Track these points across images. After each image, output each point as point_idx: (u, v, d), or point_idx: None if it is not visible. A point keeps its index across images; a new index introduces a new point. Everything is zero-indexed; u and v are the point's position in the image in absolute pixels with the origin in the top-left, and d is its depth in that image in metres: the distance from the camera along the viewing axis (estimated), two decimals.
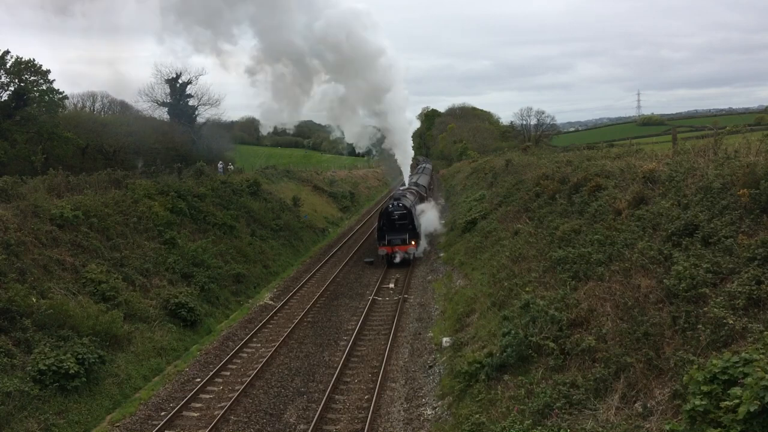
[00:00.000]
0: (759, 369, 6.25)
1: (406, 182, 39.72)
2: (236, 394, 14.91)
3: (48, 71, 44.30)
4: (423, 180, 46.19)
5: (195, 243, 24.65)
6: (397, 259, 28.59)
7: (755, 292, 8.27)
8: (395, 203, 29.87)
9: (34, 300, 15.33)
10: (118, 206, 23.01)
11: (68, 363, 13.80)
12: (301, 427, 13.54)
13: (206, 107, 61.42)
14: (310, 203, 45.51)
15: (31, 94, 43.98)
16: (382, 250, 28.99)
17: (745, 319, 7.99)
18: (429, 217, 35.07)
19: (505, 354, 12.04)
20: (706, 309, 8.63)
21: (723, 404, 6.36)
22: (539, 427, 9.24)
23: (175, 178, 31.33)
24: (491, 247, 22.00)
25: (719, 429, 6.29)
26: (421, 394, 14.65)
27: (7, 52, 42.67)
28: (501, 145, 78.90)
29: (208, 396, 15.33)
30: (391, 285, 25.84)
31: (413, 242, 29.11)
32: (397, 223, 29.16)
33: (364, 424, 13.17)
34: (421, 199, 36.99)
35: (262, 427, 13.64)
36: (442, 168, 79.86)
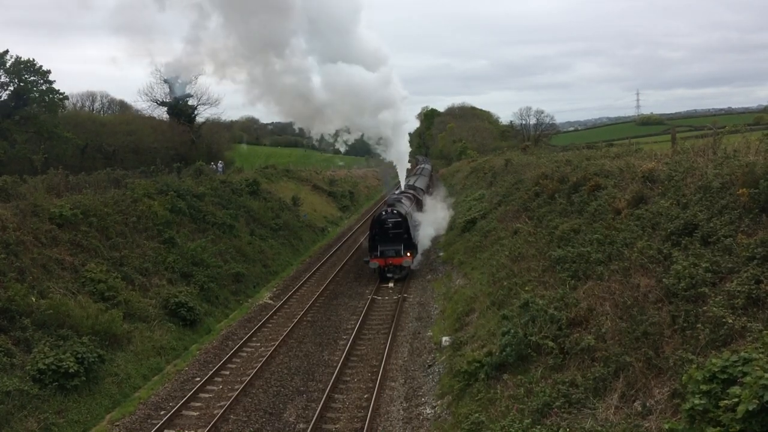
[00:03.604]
0: (758, 368, 6.25)
1: (402, 185, 37.04)
2: (236, 394, 14.92)
3: (48, 71, 44.33)
4: (421, 182, 43.63)
5: (194, 242, 24.65)
6: (393, 275, 26.19)
7: (754, 292, 8.27)
8: (389, 210, 27.10)
9: (34, 299, 15.33)
10: (118, 206, 23.01)
11: (68, 362, 13.80)
12: (301, 426, 13.55)
13: (206, 107, 61.44)
14: (310, 203, 45.53)
15: (31, 94, 43.98)
16: (374, 263, 26.19)
17: (745, 318, 7.99)
18: (428, 221, 33.57)
19: (504, 353, 12.05)
20: (705, 308, 8.63)
21: (722, 403, 6.36)
22: (538, 426, 9.25)
23: (174, 178, 31.31)
24: (491, 247, 22.00)
25: (718, 428, 6.29)
26: (420, 394, 14.66)
27: (6, 52, 42.66)
28: (500, 144, 78.91)
29: (207, 395, 15.33)
30: (391, 284, 25.83)
31: (409, 254, 26.36)
32: (391, 233, 26.45)
33: (363, 423, 13.17)
34: (419, 204, 34.70)
35: (262, 426, 13.64)
36: (441, 167, 79.84)
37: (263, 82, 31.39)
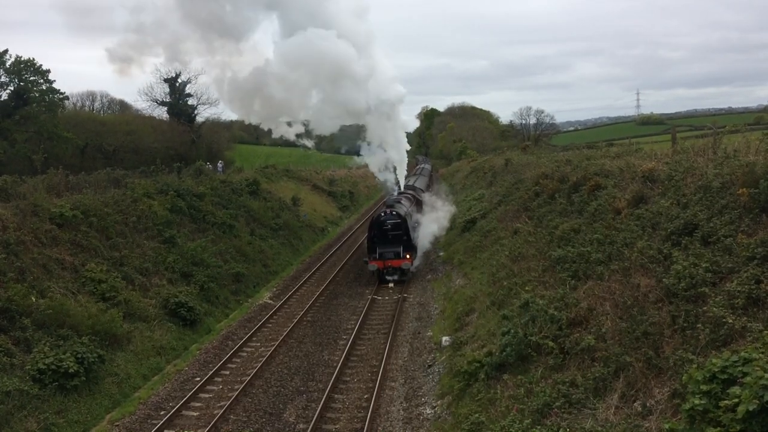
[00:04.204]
0: (758, 368, 6.25)
1: (401, 186, 36.30)
2: (236, 394, 14.91)
3: (48, 71, 44.35)
4: (420, 182, 43.18)
5: (194, 242, 24.65)
6: (392, 278, 25.88)
7: (754, 292, 8.27)
8: (388, 211, 26.70)
9: (34, 299, 15.33)
10: (118, 205, 23.00)
11: (68, 362, 13.80)
12: (301, 426, 13.54)
13: (205, 106, 61.40)
14: (310, 202, 45.51)
15: (31, 94, 44.00)
16: (373, 265, 25.82)
17: (745, 318, 7.98)
18: (428, 222, 32.79)
19: (504, 353, 12.05)
20: (705, 308, 8.62)
21: (722, 403, 6.35)
22: (538, 427, 9.25)
23: (174, 178, 31.30)
24: (491, 247, 22.00)
25: (718, 428, 6.29)
26: (420, 394, 14.65)
27: (5, 51, 42.68)
28: (500, 144, 78.91)
29: (207, 395, 15.33)
30: (391, 284, 25.80)
31: (408, 256, 25.99)
32: (390, 234, 26.03)
33: (363, 424, 13.17)
34: (419, 205, 34.20)
35: (262, 427, 13.63)
36: (441, 167, 79.83)
37: (216, 71, 30.02)
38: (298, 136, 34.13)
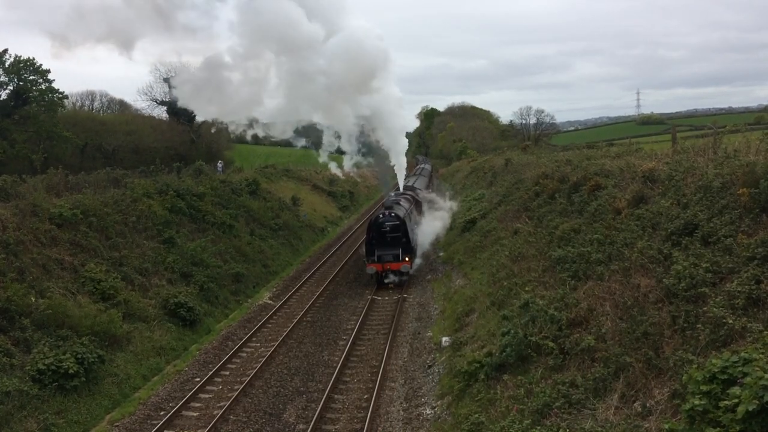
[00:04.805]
0: (758, 368, 6.24)
1: (401, 186, 35.64)
2: (235, 394, 14.91)
3: (48, 71, 44.32)
4: (420, 183, 42.73)
5: (194, 242, 24.64)
6: (392, 279, 25.46)
7: (755, 292, 8.26)
8: (386, 213, 26.14)
9: (33, 299, 15.32)
10: (117, 205, 22.99)
11: (67, 363, 13.80)
12: (301, 426, 13.53)
13: None
14: (310, 202, 45.48)
15: (31, 94, 43.97)
16: (371, 268, 25.41)
17: (745, 318, 7.98)
18: (427, 223, 32.78)
19: (504, 353, 12.04)
20: (705, 308, 8.62)
21: (722, 404, 6.35)
22: (538, 427, 9.24)
23: (174, 177, 31.28)
24: (491, 247, 21.99)
25: (718, 429, 6.28)
26: (420, 394, 14.65)
27: (5, 51, 42.65)
28: (500, 144, 78.92)
29: (207, 396, 15.32)
30: (391, 285, 25.76)
31: (407, 258, 25.51)
32: (389, 236, 25.51)
33: (363, 424, 13.16)
34: (418, 206, 33.70)
35: (262, 427, 13.63)
36: (441, 167, 79.78)
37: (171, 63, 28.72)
38: (254, 137, 33.74)
